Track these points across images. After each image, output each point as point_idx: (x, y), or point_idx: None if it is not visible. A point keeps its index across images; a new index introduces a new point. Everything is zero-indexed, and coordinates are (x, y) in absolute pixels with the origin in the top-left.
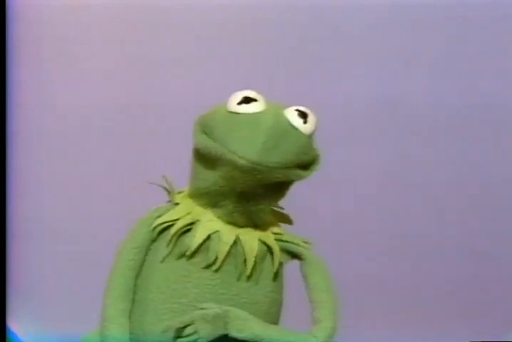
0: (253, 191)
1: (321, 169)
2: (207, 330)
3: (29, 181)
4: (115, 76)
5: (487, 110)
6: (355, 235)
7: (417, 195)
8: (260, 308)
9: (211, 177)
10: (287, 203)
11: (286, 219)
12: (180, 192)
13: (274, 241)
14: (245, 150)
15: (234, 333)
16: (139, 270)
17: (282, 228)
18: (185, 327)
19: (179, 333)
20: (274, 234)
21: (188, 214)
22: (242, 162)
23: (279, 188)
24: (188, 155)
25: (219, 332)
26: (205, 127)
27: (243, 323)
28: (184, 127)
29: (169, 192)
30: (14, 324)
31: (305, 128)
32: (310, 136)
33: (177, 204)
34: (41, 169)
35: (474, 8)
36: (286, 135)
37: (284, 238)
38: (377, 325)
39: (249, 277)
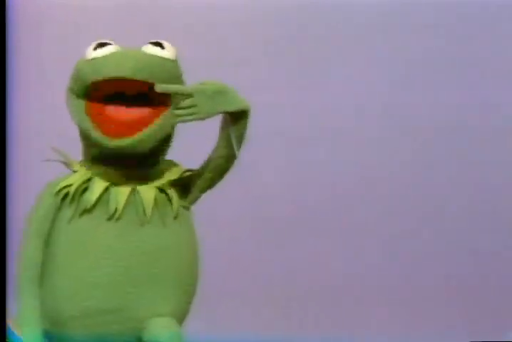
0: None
1: (320, 169)
2: (206, 106)
3: (29, 181)
4: None
5: (487, 111)
6: (355, 235)
7: (417, 195)
8: (174, 252)
9: (92, 150)
10: (290, 203)
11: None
12: (80, 161)
13: (171, 187)
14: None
15: (232, 109)
16: (48, 236)
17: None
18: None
19: (178, 104)
20: (171, 180)
21: (85, 175)
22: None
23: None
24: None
25: (219, 109)
26: (73, 87)
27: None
28: (185, 127)
29: (65, 163)
30: (14, 324)
31: (164, 53)
32: (173, 61)
33: (75, 171)
34: (41, 169)
35: (475, 8)
36: (146, 55)
37: (177, 179)
38: (377, 325)
39: (152, 223)
